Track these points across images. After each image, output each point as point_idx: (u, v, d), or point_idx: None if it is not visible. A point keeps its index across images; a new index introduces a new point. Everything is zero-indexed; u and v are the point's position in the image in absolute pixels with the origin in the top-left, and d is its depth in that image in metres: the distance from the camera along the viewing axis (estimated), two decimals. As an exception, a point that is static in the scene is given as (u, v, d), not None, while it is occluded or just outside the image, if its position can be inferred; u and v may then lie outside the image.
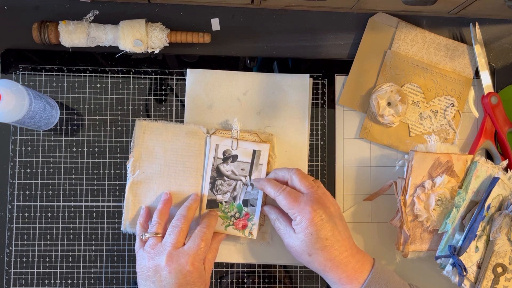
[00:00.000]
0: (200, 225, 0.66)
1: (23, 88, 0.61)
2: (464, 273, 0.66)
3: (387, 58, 0.75)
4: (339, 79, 0.75)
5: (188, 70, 0.72)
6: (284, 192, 0.64)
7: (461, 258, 0.66)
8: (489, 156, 0.75)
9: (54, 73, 0.72)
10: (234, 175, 0.70)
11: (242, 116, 0.72)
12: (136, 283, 0.66)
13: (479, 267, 0.68)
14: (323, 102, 0.75)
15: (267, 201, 0.71)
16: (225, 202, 0.70)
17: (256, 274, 0.72)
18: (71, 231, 0.70)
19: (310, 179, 0.66)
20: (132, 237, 0.71)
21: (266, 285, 0.72)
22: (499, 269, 0.67)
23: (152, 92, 0.73)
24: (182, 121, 0.72)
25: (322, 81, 0.75)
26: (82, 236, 0.71)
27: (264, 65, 0.74)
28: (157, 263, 0.62)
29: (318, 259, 0.62)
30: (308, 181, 0.65)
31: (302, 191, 0.64)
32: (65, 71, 0.72)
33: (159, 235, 0.64)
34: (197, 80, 0.72)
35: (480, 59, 0.75)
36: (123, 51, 0.71)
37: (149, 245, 0.63)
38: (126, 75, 0.73)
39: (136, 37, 0.69)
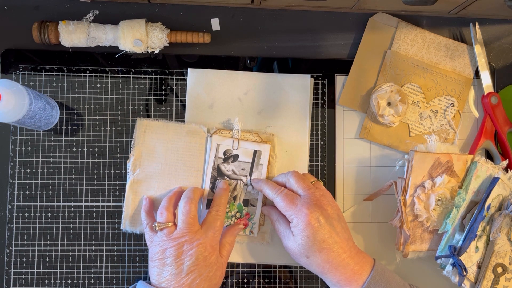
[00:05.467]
0: (212, 207, 0.67)
1: (23, 88, 0.61)
2: (464, 273, 0.66)
3: (387, 58, 0.75)
4: (339, 79, 0.75)
5: (189, 69, 0.72)
6: (282, 194, 0.64)
7: (461, 258, 0.66)
8: (489, 156, 0.75)
9: (54, 73, 0.72)
10: (234, 175, 0.70)
11: (243, 116, 0.72)
12: (135, 281, 0.67)
13: (479, 267, 0.68)
14: (323, 102, 0.75)
15: (267, 201, 0.71)
16: (226, 201, 0.70)
17: (261, 275, 0.72)
18: (71, 231, 0.70)
19: (308, 180, 0.66)
20: (132, 237, 0.71)
21: (271, 285, 0.72)
22: (499, 269, 0.67)
23: (152, 92, 0.73)
24: (182, 121, 0.72)
25: (322, 81, 0.75)
26: (82, 236, 0.70)
27: (264, 65, 0.74)
28: (178, 248, 0.62)
29: (316, 262, 0.62)
30: (305, 183, 0.65)
31: (299, 193, 0.64)
32: (65, 71, 0.72)
33: (171, 223, 0.64)
34: (198, 80, 0.72)
35: (480, 59, 0.75)
36: (123, 51, 0.71)
37: (165, 234, 0.63)
38: (126, 75, 0.73)
39: (136, 37, 0.69)
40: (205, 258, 0.62)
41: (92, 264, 0.70)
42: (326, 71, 0.75)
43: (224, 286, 0.71)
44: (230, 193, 0.70)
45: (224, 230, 0.69)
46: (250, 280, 0.72)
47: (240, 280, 0.72)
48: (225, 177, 0.70)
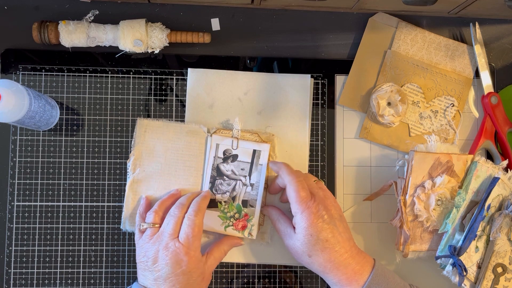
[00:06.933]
0: (188, 213, 0.64)
1: (23, 88, 0.61)
2: (464, 273, 0.66)
3: (387, 58, 0.75)
4: (339, 79, 0.75)
5: (189, 69, 0.72)
6: (300, 181, 0.63)
7: (461, 258, 0.66)
8: (489, 156, 0.75)
9: (54, 73, 0.72)
10: (234, 175, 0.70)
11: (243, 115, 0.72)
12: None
13: (479, 267, 0.68)
14: (323, 102, 0.75)
15: (267, 201, 0.71)
16: (225, 202, 0.70)
17: (261, 275, 0.72)
18: (71, 231, 0.70)
19: (310, 180, 0.66)
20: (132, 237, 0.71)
21: (271, 285, 0.72)
22: (499, 269, 0.67)
23: (152, 92, 0.73)
24: (182, 121, 0.72)
25: (322, 81, 0.75)
26: (82, 236, 0.70)
27: (264, 65, 0.74)
28: (155, 253, 0.62)
29: (318, 261, 0.62)
30: (308, 183, 0.65)
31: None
32: (65, 71, 0.72)
33: (156, 225, 0.64)
34: (198, 80, 0.72)
35: (480, 59, 0.75)
36: (123, 51, 0.71)
37: (147, 235, 0.63)
38: (126, 75, 0.73)
39: (136, 37, 0.69)
40: (180, 265, 0.61)
41: (92, 264, 0.70)
42: (326, 71, 0.75)
43: (231, 285, 0.71)
44: (229, 193, 0.70)
45: (221, 239, 0.69)
46: (251, 281, 0.72)
47: (240, 280, 0.72)
48: (225, 177, 0.70)
